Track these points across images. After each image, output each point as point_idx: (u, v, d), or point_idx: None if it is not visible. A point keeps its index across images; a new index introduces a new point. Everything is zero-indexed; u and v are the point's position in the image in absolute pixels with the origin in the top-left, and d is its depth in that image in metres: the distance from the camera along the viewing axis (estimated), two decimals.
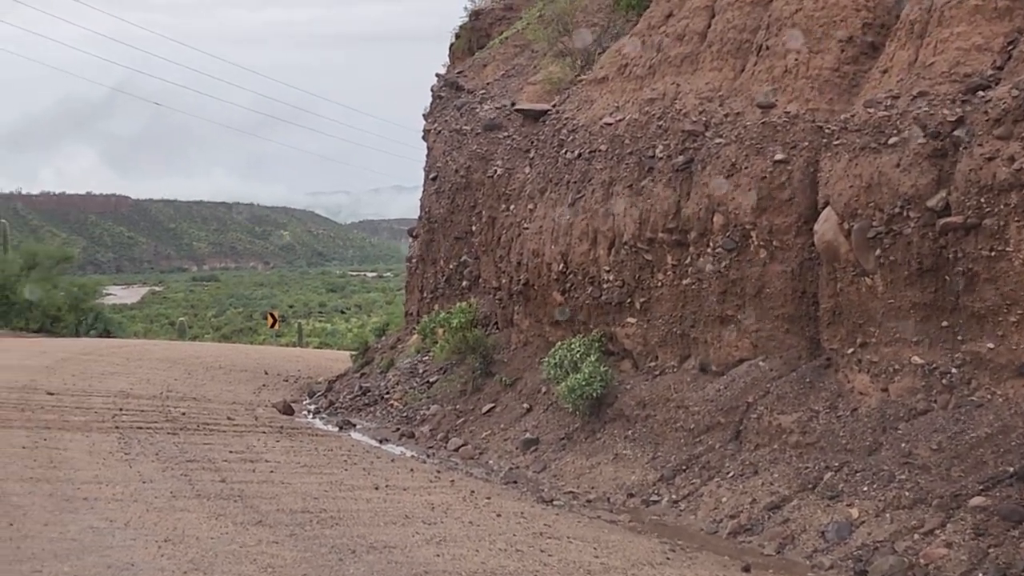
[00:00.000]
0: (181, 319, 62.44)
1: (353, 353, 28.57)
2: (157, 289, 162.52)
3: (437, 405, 19.14)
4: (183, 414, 18.82)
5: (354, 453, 16.06)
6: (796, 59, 14.51)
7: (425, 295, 25.37)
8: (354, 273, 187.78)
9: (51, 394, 20.32)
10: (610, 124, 17.20)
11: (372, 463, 15.21)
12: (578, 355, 15.99)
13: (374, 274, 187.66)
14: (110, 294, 52.50)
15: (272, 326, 57.19)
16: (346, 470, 14.39)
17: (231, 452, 15.16)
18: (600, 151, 17.17)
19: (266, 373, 28.47)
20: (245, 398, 22.74)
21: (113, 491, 11.74)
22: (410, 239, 28.44)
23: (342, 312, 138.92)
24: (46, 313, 43.98)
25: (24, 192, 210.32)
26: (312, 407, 22.82)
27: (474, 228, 23.04)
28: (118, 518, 10.40)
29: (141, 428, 16.85)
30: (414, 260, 26.87)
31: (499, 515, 11.90)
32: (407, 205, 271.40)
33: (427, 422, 18.63)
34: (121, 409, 18.82)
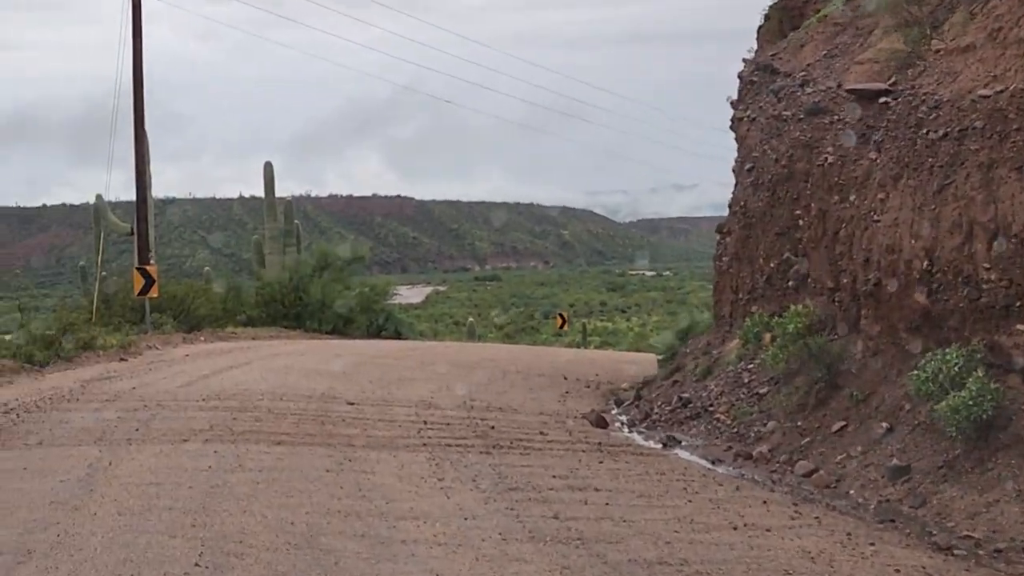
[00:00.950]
0: (470, 319, 61.82)
1: (660, 357, 26.48)
2: (441, 289, 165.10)
3: (774, 421, 16.77)
4: (492, 428, 17.10)
5: (690, 478, 13.93)
6: None
7: (741, 296, 23.02)
8: (633, 272, 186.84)
9: (351, 404, 19.05)
10: (986, 97, 14.52)
11: (716, 492, 13.05)
12: (955, 369, 13.39)
13: (653, 273, 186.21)
14: (396, 294, 51.98)
15: (561, 327, 55.90)
16: (690, 501, 12.28)
17: (554, 477, 13.27)
18: (975, 129, 14.50)
19: (565, 378, 26.66)
20: (551, 407, 20.94)
21: (433, 531, 10.00)
22: (718, 236, 26.12)
23: (623, 311, 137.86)
24: (338, 314, 43.68)
25: (313, 195, 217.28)
26: (624, 418, 20.82)
27: (800, 223, 20.56)
28: (445, 571, 8.60)
29: (450, 445, 15.20)
30: (726, 259, 24.51)
31: (898, 571, 9.57)
32: (686, 204, 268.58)
33: (764, 441, 16.31)
34: (426, 422, 17.29)
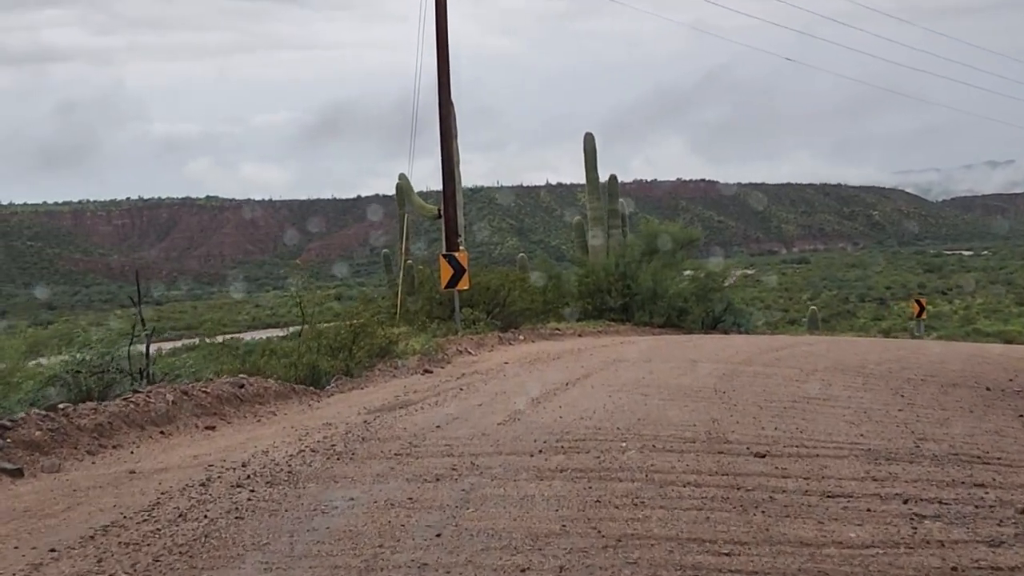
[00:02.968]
0: (812, 308, 53.60)
1: None
2: (749, 272, 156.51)
3: None
4: None
5: None
6: None
7: None
8: (949, 252, 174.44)
9: (759, 456, 11.83)
10: None
11: None
12: None
13: (970, 252, 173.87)
14: (733, 278, 44.68)
15: (919, 315, 47.17)
16: None
17: None
18: None
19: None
20: None
21: None
22: None
23: (943, 293, 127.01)
24: (672, 304, 36.70)
25: (620, 181, 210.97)
26: None
27: None
28: None
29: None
30: None
31: None
32: (1002, 180, 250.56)
33: None
34: (905, 500, 9.88)
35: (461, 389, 17.34)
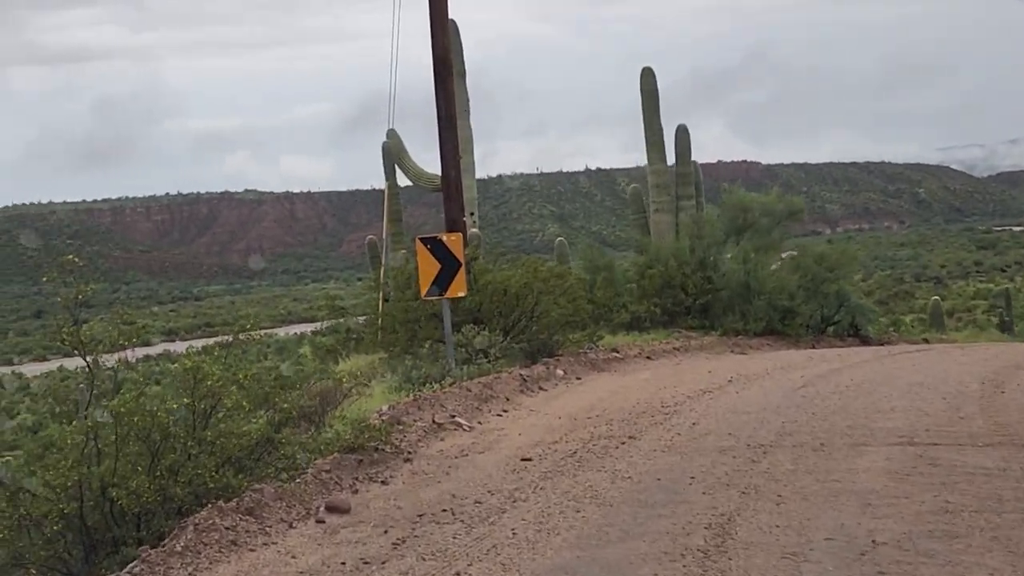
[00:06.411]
0: (934, 298, 40.96)
1: None
2: (794, 254, 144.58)
3: None
4: None
5: None
6: None
7: None
8: (999, 228, 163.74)
9: None
10: None
11: None
12: None
13: (1020, 228, 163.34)
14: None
15: None
16: None
17: None
18: None
19: None
20: None
21: None
22: None
23: (1002, 271, 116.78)
24: (772, 303, 24.58)
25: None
26: None
27: None
28: None
29: None
30: None
31: None
32: None
33: None
34: None
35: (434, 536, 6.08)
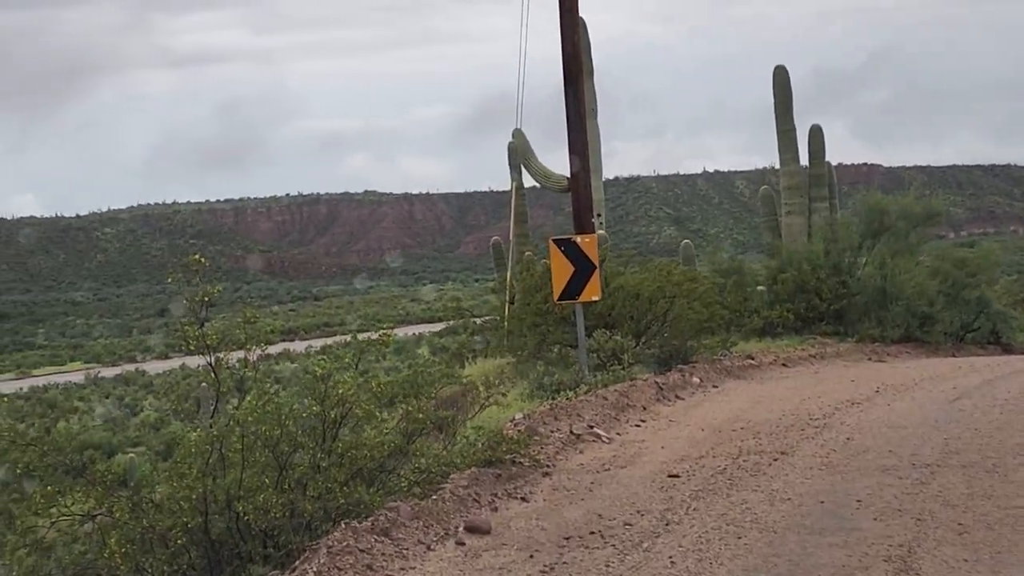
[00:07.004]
0: None
1: None
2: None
3: None
4: None
5: None
6: None
7: None
8: None
9: None
10: None
11: None
12: None
13: None
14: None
15: None
16: None
17: None
18: None
19: None
20: None
21: None
22: None
23: None
24: (911, 309, 23.42)
25: (775, 167, 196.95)
26: None
27: None
28: None
29: None
30: None
31: None
32: None
33: None
34: None
35: None
